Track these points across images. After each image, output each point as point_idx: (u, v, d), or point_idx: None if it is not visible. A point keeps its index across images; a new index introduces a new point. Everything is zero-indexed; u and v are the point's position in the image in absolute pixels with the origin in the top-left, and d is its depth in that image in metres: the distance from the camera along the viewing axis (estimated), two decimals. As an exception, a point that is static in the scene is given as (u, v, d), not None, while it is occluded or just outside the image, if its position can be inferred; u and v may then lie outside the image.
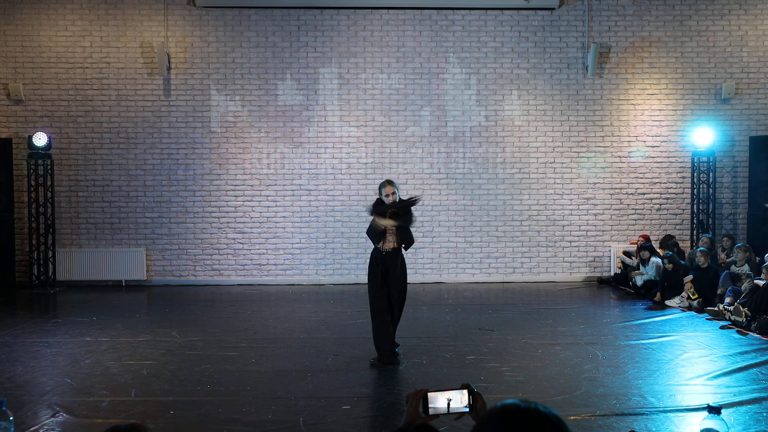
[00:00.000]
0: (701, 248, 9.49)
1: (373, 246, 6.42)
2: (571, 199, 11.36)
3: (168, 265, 11.20)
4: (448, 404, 2.13)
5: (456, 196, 11.29)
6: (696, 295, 8.75)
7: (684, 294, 8.91)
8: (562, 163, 11.33)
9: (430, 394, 2.14)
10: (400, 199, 6.38)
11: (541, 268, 11.36)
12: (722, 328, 7.70)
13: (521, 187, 11.32)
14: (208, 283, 11.14)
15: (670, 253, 9.71)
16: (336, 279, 11.17)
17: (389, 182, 6.35)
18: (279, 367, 6.09)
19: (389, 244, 6.31)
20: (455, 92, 11.24)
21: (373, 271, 6.30)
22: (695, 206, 11.10)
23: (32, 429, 4.50)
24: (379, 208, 6.33)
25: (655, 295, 9.32)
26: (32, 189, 10.65)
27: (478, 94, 11.26)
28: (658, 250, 10.29)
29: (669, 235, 10.76)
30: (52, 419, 4.71)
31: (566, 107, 11.30)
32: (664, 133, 11.36)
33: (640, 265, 10.04)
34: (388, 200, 6.26)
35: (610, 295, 10.24)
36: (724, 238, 10.26)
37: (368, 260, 6.46)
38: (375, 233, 6.31)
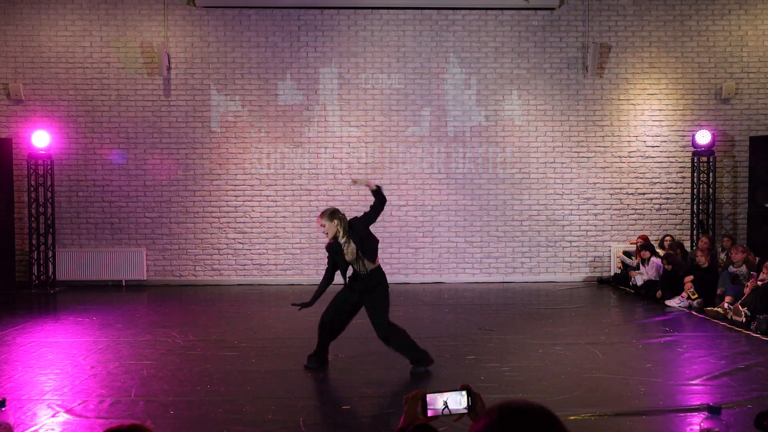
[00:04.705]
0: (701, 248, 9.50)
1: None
2: (571, 199, 11.36)
3: (168, 264, 11.20)
4: (447, 405, 2.11)
5: (456, 196, 11.28)
6: (696, 295, 8.76)
7: (684, 294, 8.91)
8: (562, 163, 11.33)
9: (428, 396, 2.12)
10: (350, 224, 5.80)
11: (541, 268, 11.36)
12: (722, 328, 7.71)
13: (521, 187, 11.32)
14: (208, 283, 11.14)
15: (670, 252, 9.72)
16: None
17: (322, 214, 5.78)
18: (279, 367, 6.09)
19: (365, 264, 5.72)
20: (455, 92, 11.24)
21: (344, 295, 5.88)
22: (695, 206, 11.10)
23: (32, 429, 4.50)
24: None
25: (656, 292, 9.33)
26: (32, 189, 10.65)
27: (478, 94, 11.26)
28: (658, 250, 10.30)
29: (667, 235, 10.77)
30: (52, 419, 4.70)
31: (566, 107, 11.30)
32: (664, 133, 11.36)
33: (640, 265, 10.04)
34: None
35: (610, 295, 10.24)
36: (724, 239, 10.27)
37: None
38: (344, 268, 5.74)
